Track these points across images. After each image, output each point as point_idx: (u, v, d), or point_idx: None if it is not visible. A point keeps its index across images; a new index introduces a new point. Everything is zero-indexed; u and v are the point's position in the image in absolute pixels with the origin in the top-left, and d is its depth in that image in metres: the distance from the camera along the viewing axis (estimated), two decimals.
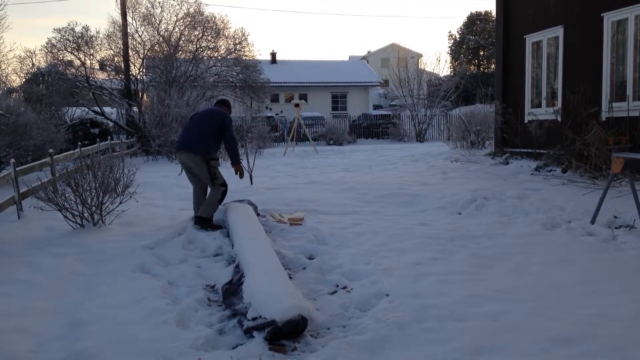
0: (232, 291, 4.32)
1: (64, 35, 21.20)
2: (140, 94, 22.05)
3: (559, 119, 10.75)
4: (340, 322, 3.83)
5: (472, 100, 26.31)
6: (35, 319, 3.92)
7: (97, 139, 16.32)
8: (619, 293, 4.07)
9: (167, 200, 9.06)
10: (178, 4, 23.50)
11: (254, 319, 3.66)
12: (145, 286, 4.60)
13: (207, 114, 7.01)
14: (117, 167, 7.67)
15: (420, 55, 41.97)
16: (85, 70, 21.34)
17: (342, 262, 5.10)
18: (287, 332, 3.55)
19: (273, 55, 41.04)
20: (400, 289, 4.26)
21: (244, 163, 11.20)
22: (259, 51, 34.90)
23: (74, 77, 21.46)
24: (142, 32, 22.73)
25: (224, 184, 6.79)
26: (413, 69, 31.05)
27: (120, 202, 7.16)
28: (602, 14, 9.96)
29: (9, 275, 4.93)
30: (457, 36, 47.38)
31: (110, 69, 22.68)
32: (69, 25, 21.95)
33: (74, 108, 21.13)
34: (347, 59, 52.46)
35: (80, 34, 21.26)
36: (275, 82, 32.91)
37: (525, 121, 12.15)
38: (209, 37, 23.91)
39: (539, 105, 12.04)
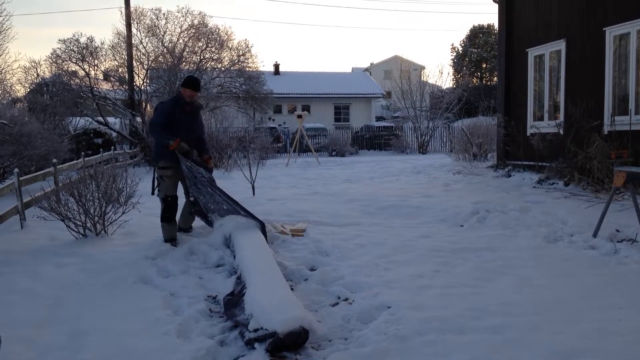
0: (233, 302, 4.32)
1: (68, 46, 21.37)
2: (143, 104, 22.17)
3: (561, 132, 10.77)
4: (341, 334, 3.82)
5: (475, 113, 26.38)
6: (37, 329, 3.92)
7: (101, 149, 16.35)
8: (621, 307, 4.06)
9: None
10: (182, 16, 23.72)
11: (256, 330, 3.66)
12: (146, 297, 4.60)
13: None
14: (120, 177, 7.70)
15: (422, 68, 42.14)
16: (90, 80, 21.47)
17: (343, 274, 5.10)
18: (289, 343, 3.54)
19: (276, 66, 41.25)
20: (402, 302, 4.25)
21: (246, 174, 11.26)
22: (263, 62, 35.15)
23: (78, 87, 21.59)
24: (147, 43, 22.92)
25: (165, 199, 6.35)
26: (416, 81, 31.16)
27: (123, 212, 7.18)
28: (604, 28, 10.00)
29: (12, 284, 4.94)
30: (460, 49, 47.56)
31: (114, 80, 22.82)
32: (73, 36, 22.15)
33: (78, 118, 21.23)
34: (350, 70, 52.69)
35: (84, 45, 21.43)
36: (278, 93, 33.04)
37: (528, 134, 12.16)
38: (213, 49, 24.07)
39: (541, 119, 12.06)
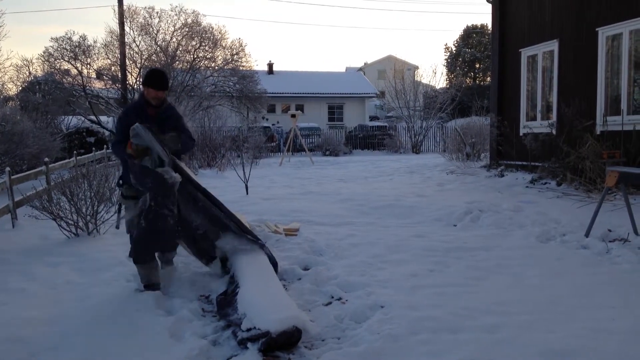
0: (226, 302, 4.31)
1: (61, 44, 21.31)
2: None
3: (554, 132, 10.81)
4: (334, 334, 3.82)
5: (468, 113, 26.45)
6: (29, 329, 3.89)
7: (93, 148, 16.27)
8: (614, 307, 4.07)
9: None
10: (176, 15, 23.70)
11: (248, 330, 3.64)
12: (139, 296, 4.57)
13: None
14: (112, 176, 7.67)
15: (416, 67, 42.15)
16: (82, 79, 21.39)
17: (337, 273, 5.09)
18: (282, 343, 3.53)
19: (270, 65, 41.21)
20: (396, 301, 4.25)
21: (239, 173, 11.24)
22: (256, 62, 35.23)
23: (71, 85, 21.52)
24: (140, 41, 22.88)
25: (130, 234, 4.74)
26: (409, 81, 31.21)
27: (115, 212, 7.15)
28: (596, 29, 10.05)
29: (3, 284, 4.91)
30: (453, 49, 47.64)
31: (107, 78, 22.75)
32: (66, 34, 22.04)
33: (70, 117, 21.16)
34: (343, 70, 52.69)
35: (77, 43, 21.36)
36: (272, 93, 33.02)
37: (521, 134, 12.21)
38: (206, 48, 24.06)
39: (534, 119, 12.11)
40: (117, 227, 4.66)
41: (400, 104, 29.93)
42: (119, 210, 4.74)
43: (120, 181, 4.80)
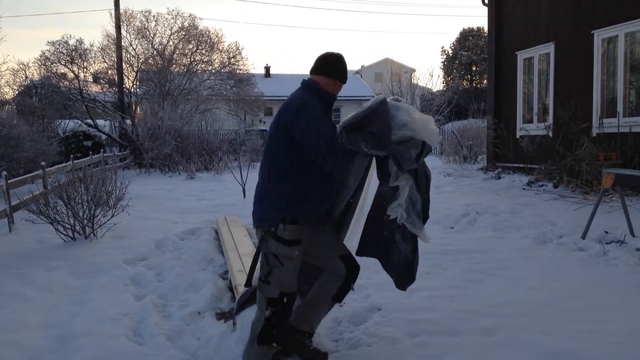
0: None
1: (57, 48, 21.28)
2: (133, 106, 22.08)
3: (550, 134, 10.84)
4: (332, 337, 3.81)
5: (465, 115, 26.50)
6: (26, 333, 3.89)
7: (90, 152, 16.26)
8: (610, 308, 4.09)
9: (160, 213, 9.03)
10: (172, 18, 23.67)
11: None
12: (137, 300, 4.57)
13: (274, 121, 3.32)
14: (109, 180, 7.67)
15: (413, 70, 42.16)
16: (79, 82, 21.37)
17: None
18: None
19: (267, 69, 41.21)
20: (393, 304, 4.25)
21: (237, 177, 11.22)
22: (253, 65, 35.34)
23: (67, 89, 21.49)
24: (136, 45, 22.87)
25: (277, 301, 3.13)
26: (406, 84, 31.16)
27: (112, 215, 7.15)
28: (592, 32, 10.09)
29: (0, 288, 4.90)
30: (450, 52, 47.73)
31: (103, 82, 22.72)
32: (63, 38, 22.11)
33: (67, 120, 21.11)
34: None
35: (74, 47, 21.35)
36: (269, 96, 32.97)
37: (517, 136, 12.23)
38: (203, 51, 24.07)
39: (530, 121, 12.14)
40: (236, 312, 3.07)
41: None
42: (252, 271, 3.07)
43: (285, 216, 3.05)
